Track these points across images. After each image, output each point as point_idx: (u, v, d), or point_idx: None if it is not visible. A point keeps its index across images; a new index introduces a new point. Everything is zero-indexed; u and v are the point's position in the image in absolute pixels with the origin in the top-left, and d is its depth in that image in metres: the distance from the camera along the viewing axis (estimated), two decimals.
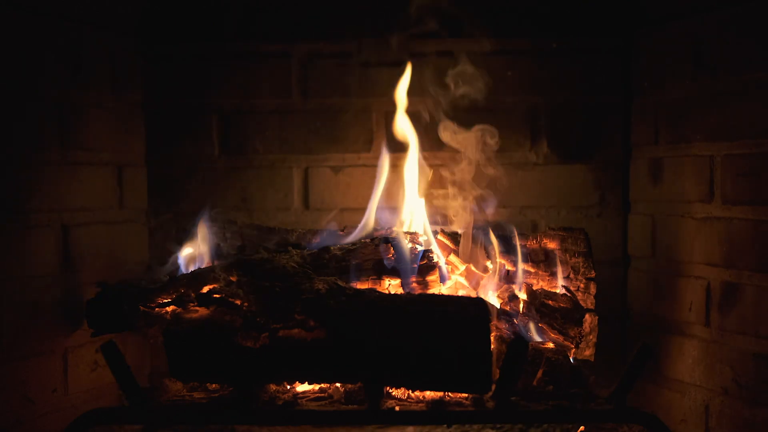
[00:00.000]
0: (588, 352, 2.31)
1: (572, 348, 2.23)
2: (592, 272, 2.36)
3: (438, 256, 2.33)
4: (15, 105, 2.19)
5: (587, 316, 2.28)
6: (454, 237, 2.42)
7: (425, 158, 2.57)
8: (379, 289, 2.24)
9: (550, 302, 2.25)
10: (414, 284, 2.26)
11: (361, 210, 2.49)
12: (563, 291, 2.31)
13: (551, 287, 2.34)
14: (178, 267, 2.35)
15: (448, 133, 2.49)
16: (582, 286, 2.35)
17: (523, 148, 2.70)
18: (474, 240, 2.36)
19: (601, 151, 2.70)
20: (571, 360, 2.19)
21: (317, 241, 2.42)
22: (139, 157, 2.68)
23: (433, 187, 2.61)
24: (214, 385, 2.17)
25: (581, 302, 2.31)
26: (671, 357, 2.48)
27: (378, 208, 2.50)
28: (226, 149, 2.73)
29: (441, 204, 2.59)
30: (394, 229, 2.40)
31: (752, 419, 2.18)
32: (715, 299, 2.31)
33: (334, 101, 2.71)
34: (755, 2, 2.18)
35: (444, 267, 2.33)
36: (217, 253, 2.41)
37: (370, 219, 2.45)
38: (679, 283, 2.46)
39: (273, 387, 2.11)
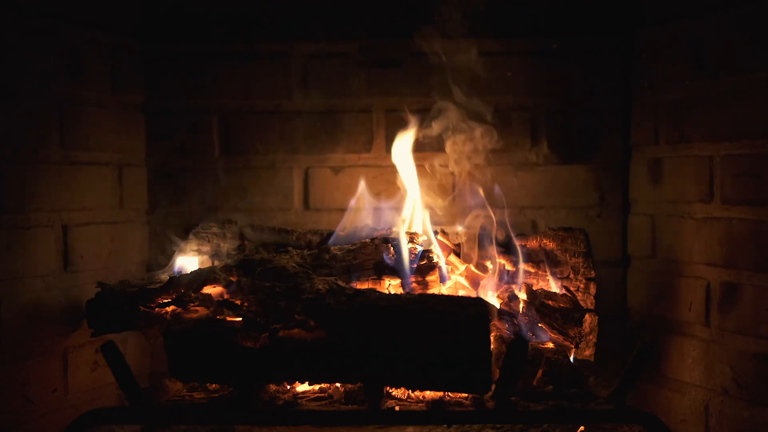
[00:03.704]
0: (588, 352, 2.31)
1: (572, 348, 2.24)
2: (592, 272, 2.36)
3: (438, 256, 2.33)
4: (15, 105, 2.19)
5: (587, 316, 2.29)
6: (454, 237, 2.42)
7: (425, 158, 2.58)
8: (379, 289, 2.24)
9: (550, 302, 2.25)
10: (414, 284, 2.26)
11: (362, 210, 2.50)
12: (563, 291, 2.31)
13: (551, 287, 2.34)
14: (178, 267, 2.35)
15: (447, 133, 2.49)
16: (582, 286, 2.35)
17: (523, 149, 2.70)
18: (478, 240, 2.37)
19: (601, 151, 2.70)
20: (571, 360, 2.19)
21: (318, 240, 2.42)
22: (139, 157, 2.68)
23: (434, 188, 2.61)
24: (214, 385, 2.17)
25: (581, 302, 2.31)
26: (671, 357, 2.49)
27: (378, 209, 2.51)
28: (226, 149, 2.73)
29: (441, 205, 2.59)
30: (394, 229, 2.40)
31: (752, 419, 2.18)
32: (714, 299, 2.31)
33: (334, 101, 2.71)
34: (755, 3, 2.18)
35: (444, 267, 2.33)
36: (217, 253, 2.41)
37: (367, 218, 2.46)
38: (679, 283, 2.46)
39: (273, 387, 2.11)
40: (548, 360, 2.12)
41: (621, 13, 2.66)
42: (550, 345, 2.20)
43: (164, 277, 2.23)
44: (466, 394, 2.04)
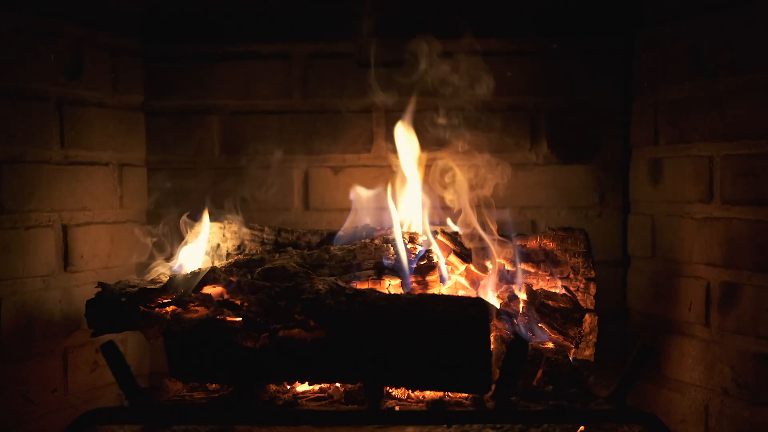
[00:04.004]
0: (588, 352, 2.31)
1: (572, 348, 2.24)
2: (592, 272, 2.36)
3: (438, 256, 2.33)
4: (15, 105, 2.19)
5: (587, 316, 2.28)
6: (454, 237, 2.42)
7: (425, 158, 2.57)
8: (379, 289, 2.24)
9: (550, 302, 2.25)
10: (414, 284, 2.26)
11: (361, 210, 2.50)
12: (563, 291, 2.31)
13: (551, 287, 2.34)
14: (178, 267, 2.35)
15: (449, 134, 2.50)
16: (582, 286, 2.35)
17: (523, 149, 2.70)
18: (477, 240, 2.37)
19: (601, 151, 2.70)
20: (571, 360, 2.19)
21: (318, 240, 2.42)
22: (139, 157, 2.68)
23: (434, 188, 2.61)
24: (214, 385, 2.17)
25: (581, 302, 2.31)
26: (671, 357, 2.49)
27: (378, 209, 2.51)
28: (226, 149, 2.73)
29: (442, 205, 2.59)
30: (394, 229, 2.40)
31: (752, 419, 2.18)
32: (714, 299, 2.31)
33: (335, 101, 2.71)
34: (755, 3, 2.18)
35: (444, 267, 2.33)
36: (217, 253, 2.41)
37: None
38: (679, 283, 2.46)
39: (273, 387, 2.11)
40: (548, 360, 2.12)
41: (621, 13, 2.66)
42: (550, 345, 2.20)
43: (164, 277, 2.22)
44: (466, 394, 2.04)
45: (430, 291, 2.27)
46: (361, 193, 2.52)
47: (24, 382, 2.19)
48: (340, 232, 2.43)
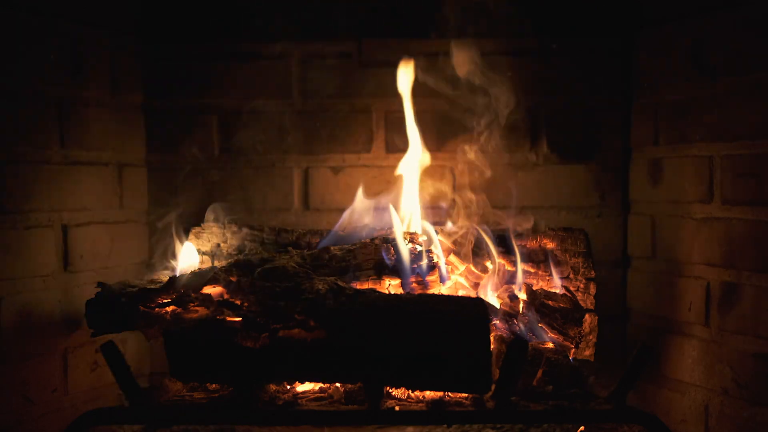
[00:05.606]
0: (588, 352, 2.31)
1: (572, 348, 2.24)
2: (592, 272, 2.36)
3: (438, 256, 2.33)
4: (15, 105, 2.19)
5: (587, 316, 2.29)
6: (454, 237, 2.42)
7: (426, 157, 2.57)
8: (379, 289, 2.24)
9: (550, 302, 2.25)
10: (414, 284, 2.26)
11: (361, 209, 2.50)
12: (563, 291, 2.31)
13: (551, 287, 2.34)
14: (178, 267, 2.35)
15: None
16: (582, 286, 2.35)
17: (523, 149, 2.70)
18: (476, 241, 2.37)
19: (601, 151, 2.70)
20: (571, 360, 2.19)
21: (317, 241, 2.42)
22: (139, 157, 2.68)
23: (434, 188, 2.61)
24: (214, 385, 2.17)
25: (581, 302, 2.31)
26: (671, 357, 2.49)
27: (376, 209, 2.51)
28: (225, 149, 2.72)
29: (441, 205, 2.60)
30: (394, 229, 2.40)
31: (752, 419, 2.18)
32: (714, 299, 2.31)
33: (334, 101, 2.71)
34: (755, 4, 2.18)
35: (444, 267, 2.33)
36: (217, 253, 2.41)
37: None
38: (679, 283, 2.46)
39: (273, 387, 2.11)
40: (548, 360, 2.12)
41: (621, 13, 2.66)
42: (550, 345, 2.20)
43: (164, 277, 2.22)
44: (466, 394, 2.04)
45: (430, 291, 2.27)
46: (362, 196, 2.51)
47: (24, 382, 2.19)
48: (339, 231, 2.42)
